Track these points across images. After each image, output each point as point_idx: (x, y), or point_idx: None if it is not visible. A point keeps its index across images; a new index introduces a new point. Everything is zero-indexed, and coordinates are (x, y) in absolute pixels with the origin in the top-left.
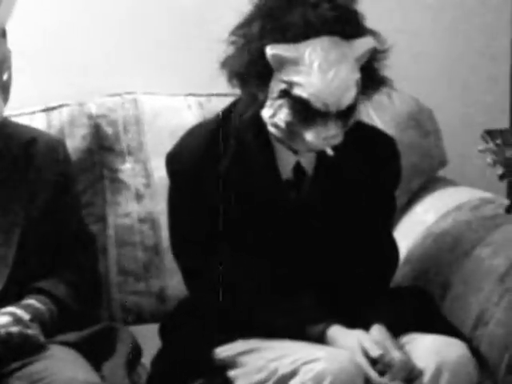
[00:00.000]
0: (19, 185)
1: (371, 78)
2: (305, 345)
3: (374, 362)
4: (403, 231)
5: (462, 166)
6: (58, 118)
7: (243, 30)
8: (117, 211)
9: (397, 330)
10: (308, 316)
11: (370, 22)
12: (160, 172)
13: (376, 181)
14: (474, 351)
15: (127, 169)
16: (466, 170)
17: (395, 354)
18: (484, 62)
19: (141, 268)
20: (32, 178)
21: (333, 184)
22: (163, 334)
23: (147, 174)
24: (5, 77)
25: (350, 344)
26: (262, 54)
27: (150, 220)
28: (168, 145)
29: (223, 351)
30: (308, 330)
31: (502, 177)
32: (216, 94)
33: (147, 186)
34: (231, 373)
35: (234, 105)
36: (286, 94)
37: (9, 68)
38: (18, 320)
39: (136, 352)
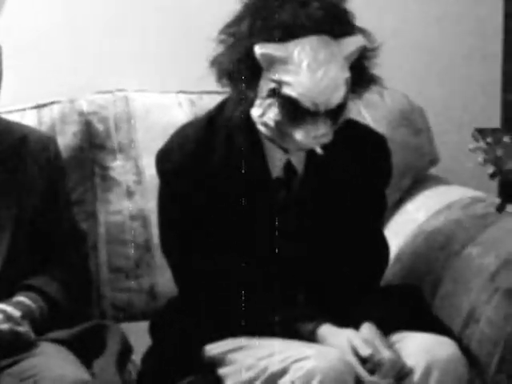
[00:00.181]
0: (10, 182)
1: (361, 77)
2: (295, 343)
3: (364, 360)
4: (394, 229)
5: (454, 164)
6: (49, 115)
7: (232, 28)
8: (108, 208)
9: (387, 328)
10: (298, 314)
11: (360, 21)
12: (151, 169)
13: (367, 179)
14: (464, 349)
15: (118, 166)
16: (457, 169)
17: (385, 353)
18: (475, 60)
19: (132, 265)
20: (23, 175)
21: (323, 182)
22: (153, 331)
23: (138, 172)
24: None
25: (340, 343)
26: (251, 53)
27: (140, 217)
28: (159, 142)
29: (213, 349)
30: (298, 328)
31: (492, 175)
32: (207, 92)
33: (138, 183)
34: (221, 370)
35: (223, 103)
36: (275, 93)
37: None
38: (8, 317)
39: (126, 349)
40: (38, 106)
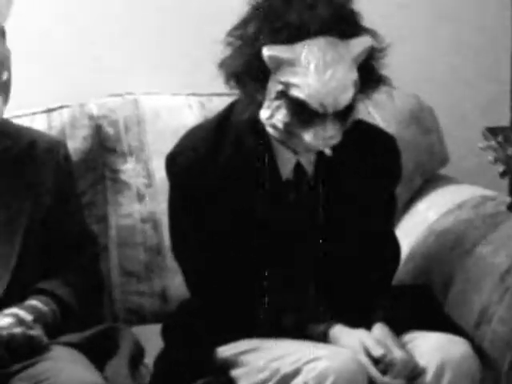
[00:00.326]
0: (21, 186)
1: (369, 77)
2: (307, 344)
3: (376, 361)
4: (405, 229)
5: (464, 163)
6: (59, 119)
7: (240, 31)
8: (118, 211)
9: (399, 328)
10: (310, 315)
11: (368, 21)
12: (161, 172)
13: (377, 179)
14: (477, 349)
15: (129, 169)
16: (467, 168)
17: (397, 353)
18: (485, 59)
19: (143, 268)
20: (33, 180)
21: (333, 183)
22: (165, 334)
23: (149, 174)
24: (4, 77)
25: (352, 343)
26: (259, 55)
27: (151, 220)
28: (169, 145)
29: (225, 350)
30: (310, 329)
31: (503, 174)
32: (217, 94)
33: (149, 186)
34: (233, 372)
35: (233, 105)
36: (283, 94)
37: (8, 68)
38: (20, 321)
39: (138, 352)
40: (48, 111)
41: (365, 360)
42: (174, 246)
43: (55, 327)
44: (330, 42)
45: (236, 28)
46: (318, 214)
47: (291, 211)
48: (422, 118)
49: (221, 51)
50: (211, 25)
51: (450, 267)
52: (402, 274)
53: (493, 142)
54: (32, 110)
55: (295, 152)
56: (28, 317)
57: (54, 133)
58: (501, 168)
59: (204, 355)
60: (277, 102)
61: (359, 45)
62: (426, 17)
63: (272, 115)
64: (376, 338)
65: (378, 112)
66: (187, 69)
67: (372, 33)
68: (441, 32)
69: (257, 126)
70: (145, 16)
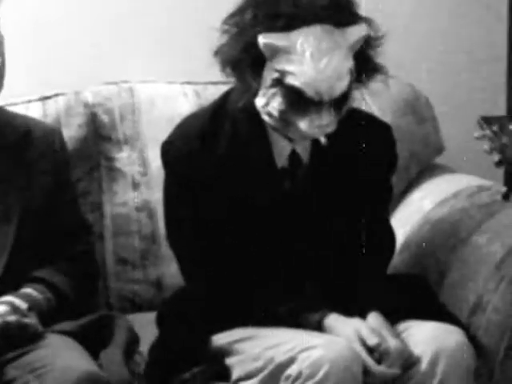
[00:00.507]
0: (16, 174)
1: (365, 66)
2: (302, 332)
3: (371, 350)
4: (401, 218)
5: (459, 152)
6: (54, 107)
7: (236, 18)
8: (113, 200)
9: (394, 317)
10: (305, 304)
11: (364, 9)
12: (157, 160)
13: (372, 167)
14: (471, 338)
15: (124, 157)
16: (462, 157)
17: (391, 343)
18: (481, 48)
19: (138, 257)
20: (28, 168)
21: (328, 171)
22: (160, 322)
23: (144, 163)
24: None
25: (347, 332)
26: (255, 42)
27: (146, 208)
28: (164, 133)
29: (220, 339)
30: (305, 318)
31: (498, 164)
32: (213, 82)
33: (144, 174)
34: (228, 360)
35: (228, 93)
36: (278, 82)
37: (2, 54)
38: (15, 309)
39: (133, 340)
40: (43, 98)
41: (359, 349)
42: (169, 234)
43: (50, 315)
44: (326, 29)
45: (232, 16)
46: (312, 201)
47: (286, 199)
48: (417, 107)
49: (217, 39)
50: (207, 12)
51: (445, 256)
52: (397, 262)
53: (488, 132)
54: (27, 97)
55: (290, 140)
56: (23, 305)
57: (49, 121)
58: (496, 157)
59: (199, 343)
60: (272, 90)
61: (355, 33)
62: (425, 6)
63: (267, 103)
64: (371, 326)
65: (373, 101)
66: (183, 57)
67: (368, 21)
68: (437, 21)
69: (252, 113)
70: (140, 4)
